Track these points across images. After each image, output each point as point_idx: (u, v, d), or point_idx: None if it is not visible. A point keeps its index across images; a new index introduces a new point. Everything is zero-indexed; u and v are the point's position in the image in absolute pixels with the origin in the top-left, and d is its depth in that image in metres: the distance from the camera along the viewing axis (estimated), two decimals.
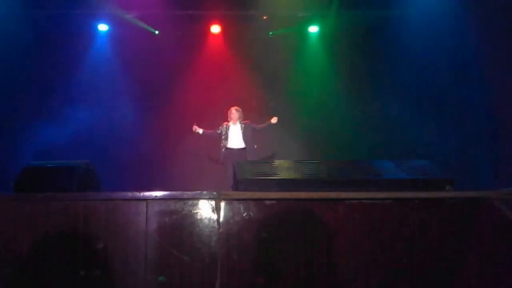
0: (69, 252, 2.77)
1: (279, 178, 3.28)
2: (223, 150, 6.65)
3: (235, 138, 6.68)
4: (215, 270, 2.76)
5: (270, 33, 7.60)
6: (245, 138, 6.65)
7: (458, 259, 2.86)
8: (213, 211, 2.84)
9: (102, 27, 7.47)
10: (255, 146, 6.63)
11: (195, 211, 2.84)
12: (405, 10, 6.99)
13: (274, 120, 6.59)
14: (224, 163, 6.63)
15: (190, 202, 2.85)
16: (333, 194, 2.92)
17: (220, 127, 6.76)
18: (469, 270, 2.86)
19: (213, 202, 2.85)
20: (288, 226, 2.86)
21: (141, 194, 2.85)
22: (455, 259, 2.86)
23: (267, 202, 2.86)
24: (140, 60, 7.35)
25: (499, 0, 5.55)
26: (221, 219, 2.83)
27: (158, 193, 2.84)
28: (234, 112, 6.79)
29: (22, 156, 6.02)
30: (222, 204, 2.85)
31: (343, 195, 2.91)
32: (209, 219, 2.83)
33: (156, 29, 7.55)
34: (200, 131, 6.67)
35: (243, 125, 6.74)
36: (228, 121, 6.80)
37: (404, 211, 2.91)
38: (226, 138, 6.67)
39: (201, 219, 2.83)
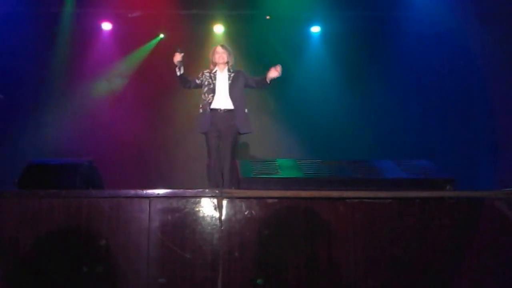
0: (72, 249, 2.80)
1: (281, 177, 3.31)
2: (207, 110, 4.36)
3: (221, 92, 4.41)
4: (217, 268, 2.78)
5: (271, 40, 7.61)
6: (234, 94, 4.41)
7: (458, 258, 2.88)
8: (215, 209, 2.86)
9: (106, 26, 7.49)
10: (246, 110, 4.48)
11: (197, 209, 2.86)
12: (407, 11, 7.00)
13: (273, 73, 4.36)
14: (207, 134, 4.40)
15: (193, 200, 2.87)
16: (334, 193, 2.94)
17: (200, 76, 4.53)
18: (469, 269, 2.87)
19: (215, 200, 2.87)
20: (290, 224, 2.88)
21: (144, 192, 2.88)
22: (455, 258, 2.88)
23: (269, 201, 2.88)
24: (143, 58, 7.39)
25: (499, 1, 5.57)
26: (223, 217, 2.85)
27: (161, 191, 2.87)
28: (221, 51, 4.53)
29: (26, 154, 6.03)
30: (224, 202, 2.87)
31: (344, 194, 2.93)
32: (211, 217, 2.86)
33: (159, 29, 7.55)
34: (182, 69, 4.39)
35: (232, 74, 4.50)
36: (211, 68, 4.57)
37: (405, 211, 2.93)
38: (213, 91, 4.39)
39: (203, 217, 2.86)
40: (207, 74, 4.51)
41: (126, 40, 7.45)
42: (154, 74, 7.44)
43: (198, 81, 4.52)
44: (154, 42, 7.56)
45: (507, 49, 5.53)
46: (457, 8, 6.13)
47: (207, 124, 4.36)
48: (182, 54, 4.36)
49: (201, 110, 4.45)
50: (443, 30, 6.49)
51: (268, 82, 4.45)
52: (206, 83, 4.46)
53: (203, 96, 4.46)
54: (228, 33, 7.58)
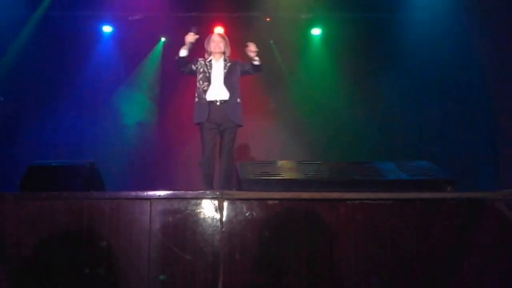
0: (74, 251, 2.80)
1: (281, 178, 3.31)
2: (204, 99, 4.19)
3: (217, 83, 4.22)
4: (217, 269, 2.78)
5: (271, 42, 7.62)
6: (229, 82, 4.23)
7: (459, 259, 2.88)
8: (216, 210, 2.86)
9: (107, 29, 7.51)
10: (239, 100, 4.29)
11: (198, 211, 2.87)
12: (407, 13, 7.01)
13: (250, 53, 4.25)
14: (202, 127, 4.22)
15: (193, 201, 2.87)
16: (335, 195, 2.94)
17: (196, 62, 4.32)
18: (470, 270, 2.87)
19: (216, 202, 2.87)
20: (290, 226, 2.88)
21: (145, 194, 2.88)
22: (456, 259, 2.88)
23: (270, 202, 2.88)
24: (144, 61, 7.41)
25: (499, 1, 5.57)
26: (224, 219, 2.86)
27: (162, 193, 2.87)
28: (217, 40, 4.35)
29: (27, 156, 6.05)
30: (225, 203, 2.87)
31: (345, 195, 2.93)
32: (212, 219, 2.86)
33: (159, 31, 7.57)
34: (186, 52, 4.21)
35: (229, 63, 4.32)
36: (205, 57, 4.38)
37: (406, 212, 2.93)
38: (208, 79, 4.20)
39: (204, 219, 2.86)
40: (202, 62, 4.32)
41: (127, 43, 7.46)
42: (155, 76, 7.49)
43: (193, 67, 4.30)
44: (159, 47, 7.58)
45: (508, 50, 5.53)
46: (459, 9, 6.14)
47: (204, 114, 4.16)
48: (197, 37, 4.21)
49: (196, 99, 4.26)
50: (444, 32, 6.50)
51: (255, 64, 4.30)
52: (201, 70, 4.26)
53: (197, 83, 4.27)
54: (228, 35, 7.59)
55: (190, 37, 4.19)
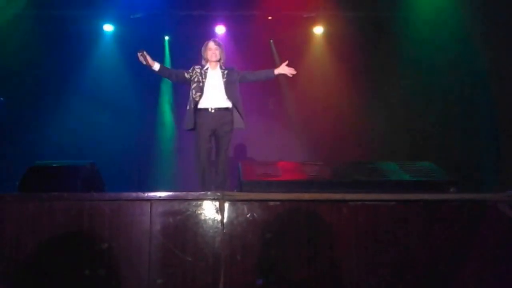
0: (74, 252, 2.79)
1: (283, 179, 3.30)
2: (193, 108, 4.15)
3: (214, 91, 4.20)
4: (218, 271, 2.77)
5: (271, 41, 7.62)
6: (231, 91, 4.21)
7: (461, 260, 2.86)
8: (217, 212, 2.85)
9: (108, 28, 7.50)
10: (242, 109, 4.29)
11: (199, 212, 2.85)
12: (410, 12, 6.99)
13: (285, 70, 4.37)
14: (196, 134, 4.20)
15: (194, 202, 2.86)
16: (337, 196, 2.93)
17: (191, 71, 4.30)
18: (473, 272, 2.85)
19: (217, 203, 2.86)
20: (292, 227, 2.86)
21: (146, 195, 2.86)
22: (458, 261, 2.86)
23: (271, 203, 2.87)
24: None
25: (501, 1, 5.55)
26: (225, 220, 2.84)
27: (162, 194, 2.86)
28: (214, 48, 4.30)
29: (27, 156, 6.04)
30: (226, 205, 2.86)
31: (347, 196, 2.92)
32: (213, 220, 2.84)
33: (161, 30, 7.56)
34: (157, 66, 4.24)
35: (226, 71, 4.29)
36: (202, 64, 4.37)
37: (408, 213, 2.92)
38: (201, 89, 4.17)
39: (205, 220, 2.84)
40: (198, 70, 4.29)
41: (129, 41, 7.44)
42: (155, 76, 7.46)
43: (187, 76, 4.30)
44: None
45: (509, 48, 5.51)
46: (462, 8, 6.11)
47: (191, 122, 4.14)
48: (144, 54, 4.20)
49: (188, 107, 4.23)
50: (447, 31, 6.47)
51: (275, 75, 4.41)
52: (195, 79, 4.23)
53: (191, 92, 4.23)
54: (230, 34, 7.58)
55: (142, 59, 4.21)
